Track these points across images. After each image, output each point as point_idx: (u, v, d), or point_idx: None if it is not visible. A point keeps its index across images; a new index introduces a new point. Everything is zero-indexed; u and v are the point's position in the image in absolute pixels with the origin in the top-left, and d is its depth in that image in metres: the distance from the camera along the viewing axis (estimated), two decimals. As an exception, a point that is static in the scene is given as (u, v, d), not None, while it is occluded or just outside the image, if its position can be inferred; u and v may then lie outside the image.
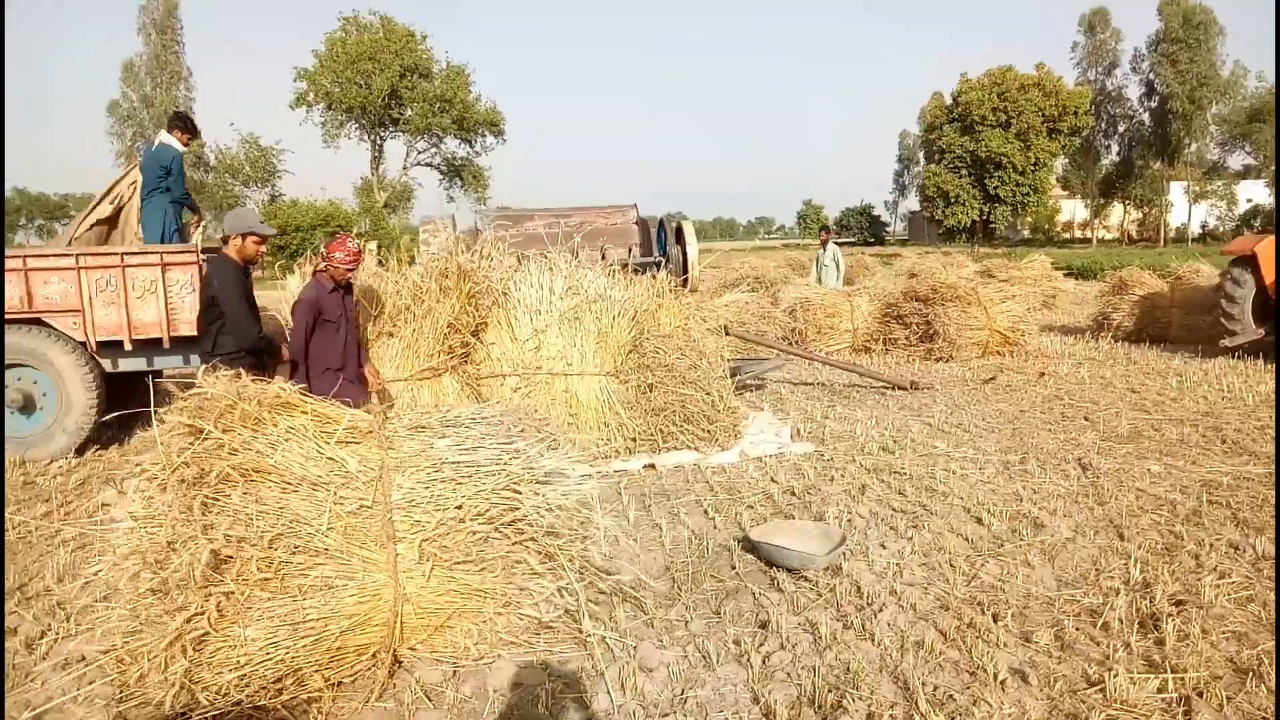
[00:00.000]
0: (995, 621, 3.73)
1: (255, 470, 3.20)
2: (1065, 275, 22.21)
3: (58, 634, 3.73)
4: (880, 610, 3.88)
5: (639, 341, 7.04)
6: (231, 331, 5.19)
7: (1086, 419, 7.45)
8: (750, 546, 4.63)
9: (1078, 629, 3.64)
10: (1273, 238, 10.07)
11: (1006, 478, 5.83)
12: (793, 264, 25.69)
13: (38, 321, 7.02)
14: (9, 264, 6.94)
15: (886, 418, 7.84)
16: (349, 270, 5.46)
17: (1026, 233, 70.95)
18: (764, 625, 3.79)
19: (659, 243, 10.26)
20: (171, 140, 7.98)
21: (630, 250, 9.97)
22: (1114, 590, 3.99)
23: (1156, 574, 4.10)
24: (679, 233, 10.13)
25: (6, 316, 6.90)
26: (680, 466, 6.42)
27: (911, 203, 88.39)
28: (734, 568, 4.46)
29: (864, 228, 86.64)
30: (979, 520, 5.00)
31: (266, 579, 3.09)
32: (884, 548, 4.64)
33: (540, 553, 3.51)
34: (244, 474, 3.18)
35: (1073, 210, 71.79)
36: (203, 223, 8.47)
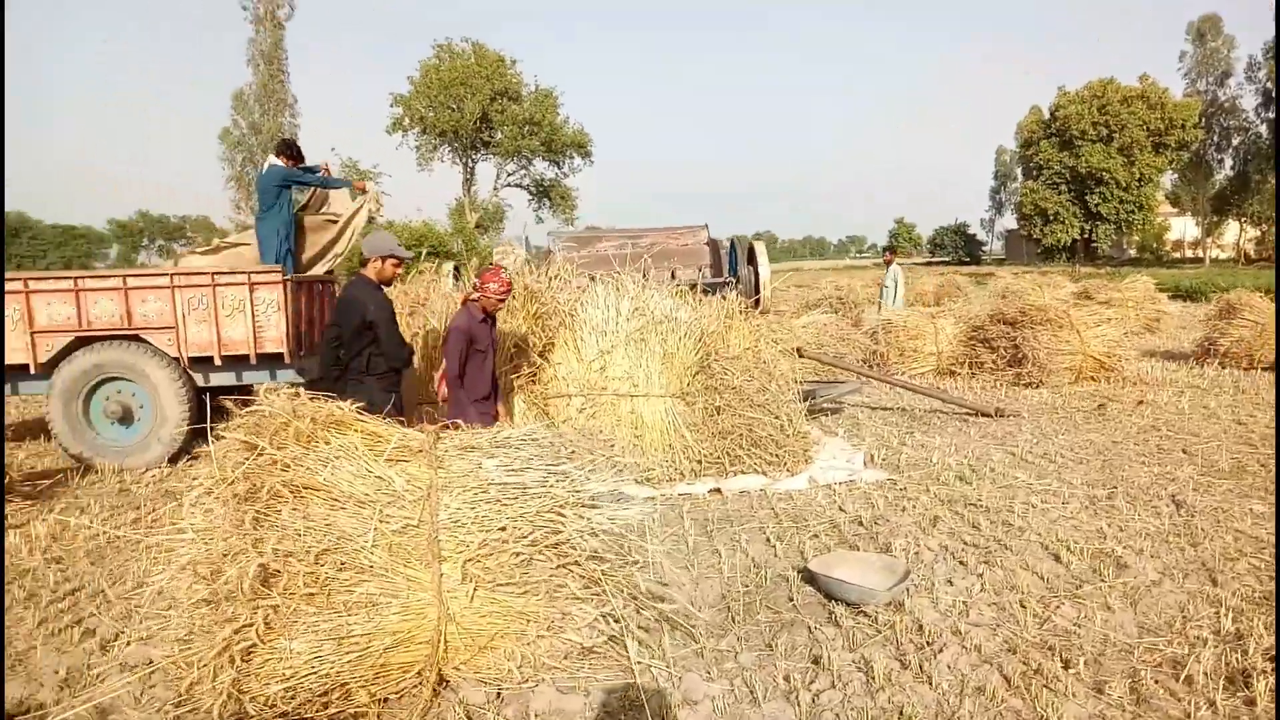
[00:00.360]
0: (1066, 669, 3.51)
1: (305, 486, 3.27)
2: (1170, 297, 21.09)
3: (130, 637, 3.88)
4: (941, 651, 3.70)
5: (706, 363, 6.96)
6: (385, 352, 5.25)
7: (1185, 452, 7.00)
8: (809, 578, 4.49)
9: (1157, 681, 3.39)
10: None
11: (1091, 513, 5.51)
12: (879, 285, 25.10)
13: (136, 338, 7.39)
14: (111, 282, 7.35)
15: (967, 446, 7.54)
16: (500, 301, 5.50)
17: (1133, 252, 67.80)
18: (816, 661, 3.66)
19: (730, 263, 10.17)
20: (278, 164, 8.37)
21: (700, 271, 9.91)
22: (1201, 640, 3.70)
23: (1250, 625, 3.79)
24: (751, 253, 10.02)
25: (108, 332, 7.31)
26: (746, 492, 6.30)
27: (1009, 221, 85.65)
28: (791, 599, 4.33)
29: (958, 247, 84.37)
30: (1057, 558, 4.74)
31: (312, 594, 3.14)
32: (951, 584, 4.44)
33: (584, 577, 3.47)
34: (294, 490, 3.25)
35: (1183, 228, 68.34)
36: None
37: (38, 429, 8.51)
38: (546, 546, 3.43)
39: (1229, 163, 58.20)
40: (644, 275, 7.90)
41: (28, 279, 7.27)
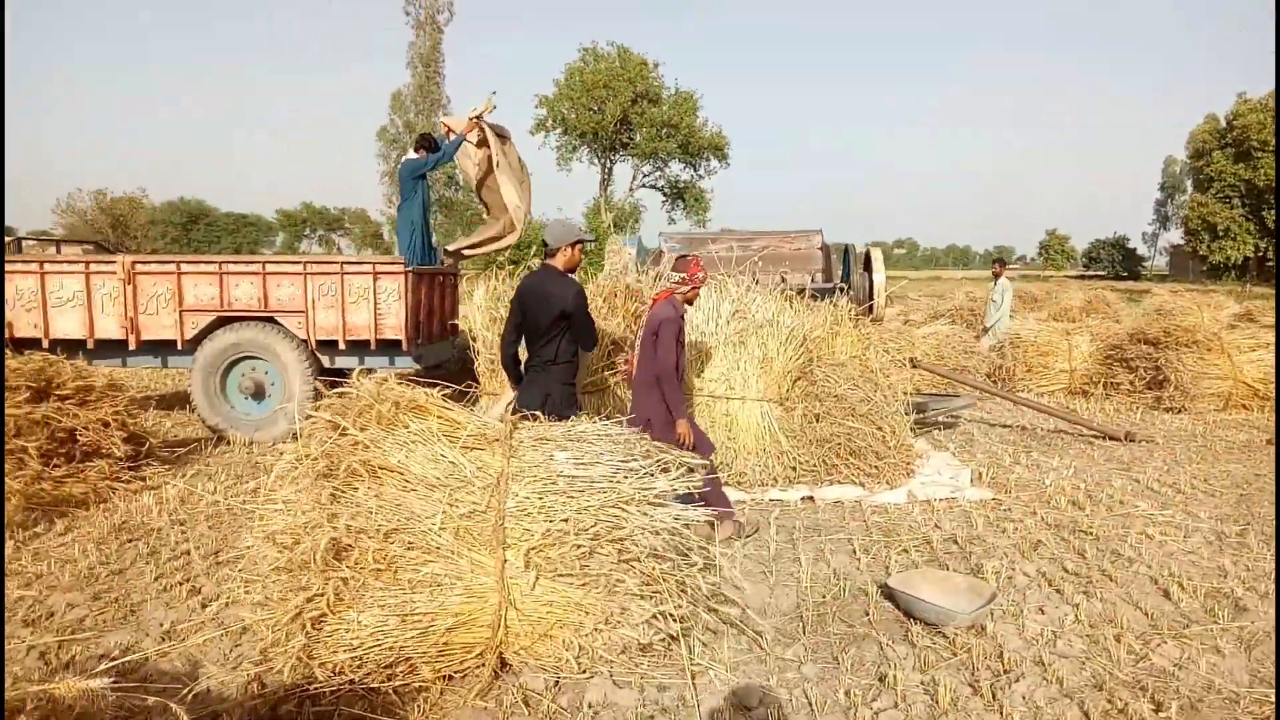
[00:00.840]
0: (1157, 712, 3.26)
1: (381, 467, 3.43)
2: (1352, 322, 19.09)
3: (227, 598, 4.16)
4: (1018, 680, 3.50)
5: (808, 369, 6.85)
6: (581, 340, 5.06)
7: (1338, 490, 6.35)
8: (888, 594, 4.34)
9: (1259, 735, 3.11)
10: None
11: (1215, 550, 5.09)
12: (1022, 296, 23.81)
13: (270, 319, 7.92)
14: (252, 267, 7.90)
15: (1087, 470, 7.09)
16: (695, 292, 5.42)
17: (1317, 272, 61.83)
18: (882, 679, 3.54)
19: (843, 269, 9.93)
20: (414, 156, 8.87)
21: (811, 276, 9.72)
22: (1320, 695, 3.36)
23: (1381, 683, 3.41)
24: (867, 260, 9.76)
25: (246, 313, 7.87)
26: (840, 502, 6.14)
27: (1175, 236, 79.80)
28: (867, 614, 4.20)
29: (1116, 261, 79.22)
30: (1166, 594, 4.40)
31: (380, 570, 3.28)
32: (1042, 612, 4.19)
33: (643, 574, 3.48)
34: (370, 470, 3.41)
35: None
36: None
37: (182, 400, 9.24)
38: (608, 541, 3.46)
39: None
40: (753, 278, 7.84)
41: (180, 261, 7.92)
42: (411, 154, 8.97)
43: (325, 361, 8.12)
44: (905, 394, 7.78)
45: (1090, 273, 74.84)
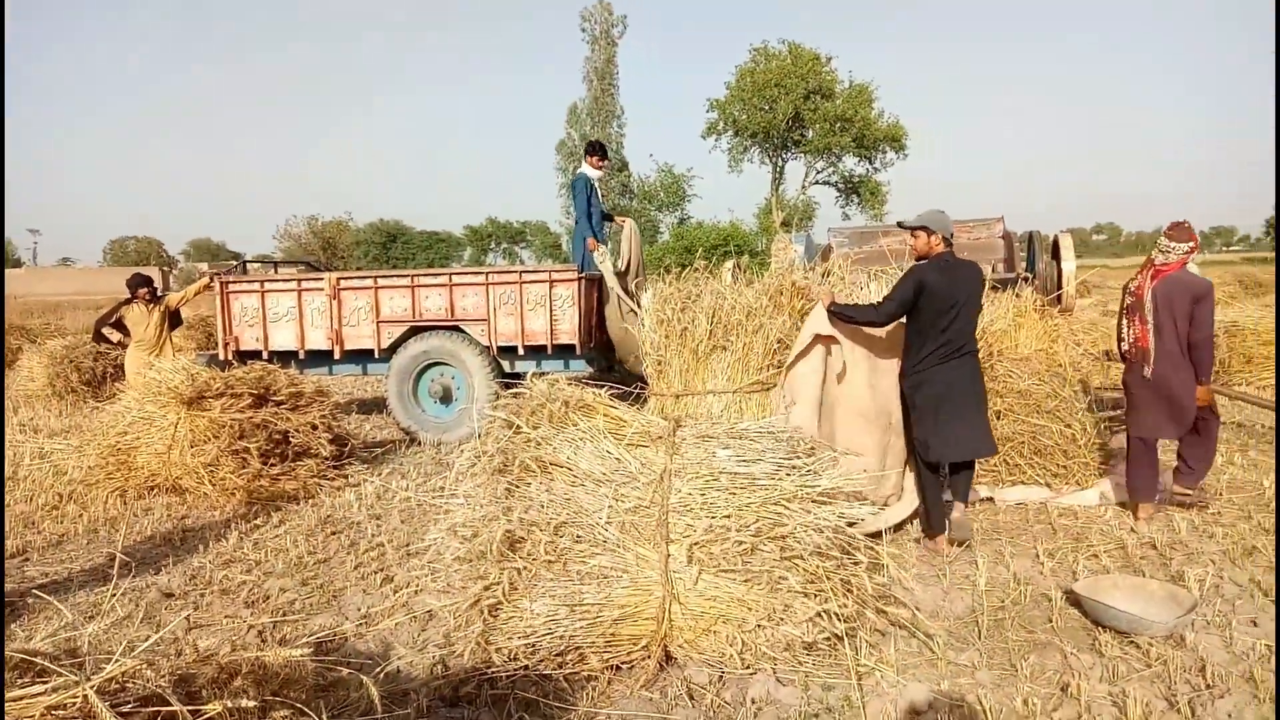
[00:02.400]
0: (1393, 740, 2.91)
1: (552, 463, 3.62)
2: None
3: (416, 587, 4.51)
4: (1223, 696, 3.22)
5: (989, 364, 6.53)
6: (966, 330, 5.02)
7: None
8: (1074, 600, 4.09)
9: None
10: None
11: None
12: (1244, 280, 21.38)
13: (456, 328, 8.46)
14: (439, 280, 8.48)
15: (1318, 469, 6.35)
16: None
17: None
18: (1065, 689, 3.36)
19: (1029, 258, 9.36)
20: (585, 167, 9.19)
21: (993, 266, 9.23)
22: None
23: None
24: (1055, 247, 9.16)
25: (435, 322, 8.44)
26: (1023, 503, 5.83)
27: None
28: (1050, 621, 3.99)
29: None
30: None
31: (551, 561, 3.46)
32: (1255, 625, 3.83)
33: (806, 572, 3.47)
34: (542, 465, 3.61)
35: None
36: (623, 223, 9.41)
37: (380, 404, 10.03)
38: (769, 538, 3.48)
39: None
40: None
41: (377, 276, 8.62)
42: (585, 165, 9.27)
43: (506, 366, 8.57)
44: (1099, 388, 7.26)
45: (1330, 251, 66.35)
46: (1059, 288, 8.65)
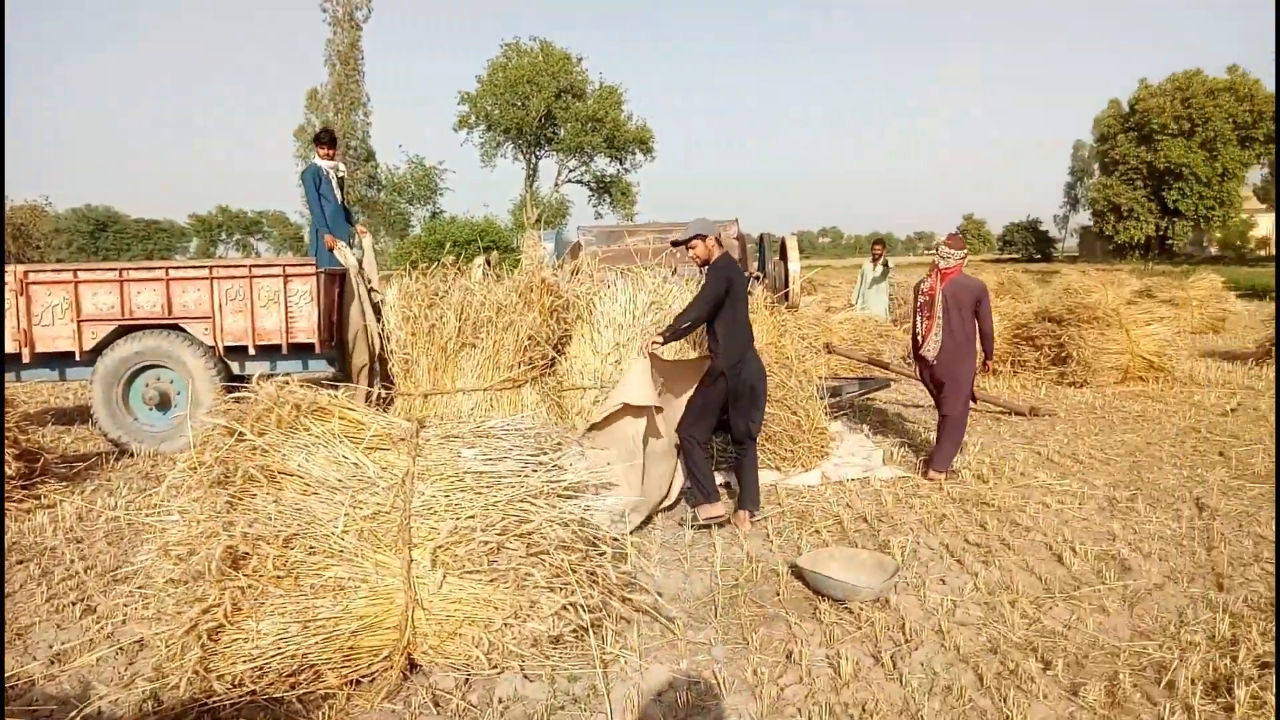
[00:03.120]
0: (1045, 670, 3.43)
1: (280, 471, 3.37)
2: (1239, 296, 20.18)
3: (125, 616, 4.04)
4: (918, 648, 3.64)
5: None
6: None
7: (1221, 454, 6.73)
8: (798, 573, 4.45)
9: (1136, 686, 3.28)
10: None
11: (1106, 515, 5.34)
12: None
13: (175, 327, 7.68)
14: (154, 273, 7.65)
15: (994, 445, 7.37)
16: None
17: (1214, 250, 64.97)
18: (789, 656, 3.64)
19: (760, 258, 10.09)
20: (315, 157, 8.69)
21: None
22: (1193, 645, 3.57)
23: (1248, 631, 3.64)
24: (782, 248, 9.93)
25: (149, 321, 7.62)
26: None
27: (1084, 218, 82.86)
28: (779, 594, 4.30)
29: (1029, 244, 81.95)
30: (1060, 559, 4.61)
31: (280, 576, 3.23)
32: (944, 583, 4.36)
33: (552, 567, 3.50)
34: (269, 475, 3.36)
35: (1270, 226, 65.14)
36: (363, 235, 8.80)
37: (82, 414, 8.89)
38: (516, 536, 3.47)
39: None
40: (672, 269, 7.91)
41: (76, 269, 7.62)
42: (315, 155, 8.80)
43: (235, 368, 7.91)
44: (820, 379, 7.94)
45: (1005, 256, 77.19)
46: (786, 286, 9.38)
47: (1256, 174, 56.19)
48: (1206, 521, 5.13)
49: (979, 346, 6.38)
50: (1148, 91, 53.69)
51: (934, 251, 6.74)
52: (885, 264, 13.19)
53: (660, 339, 5.23)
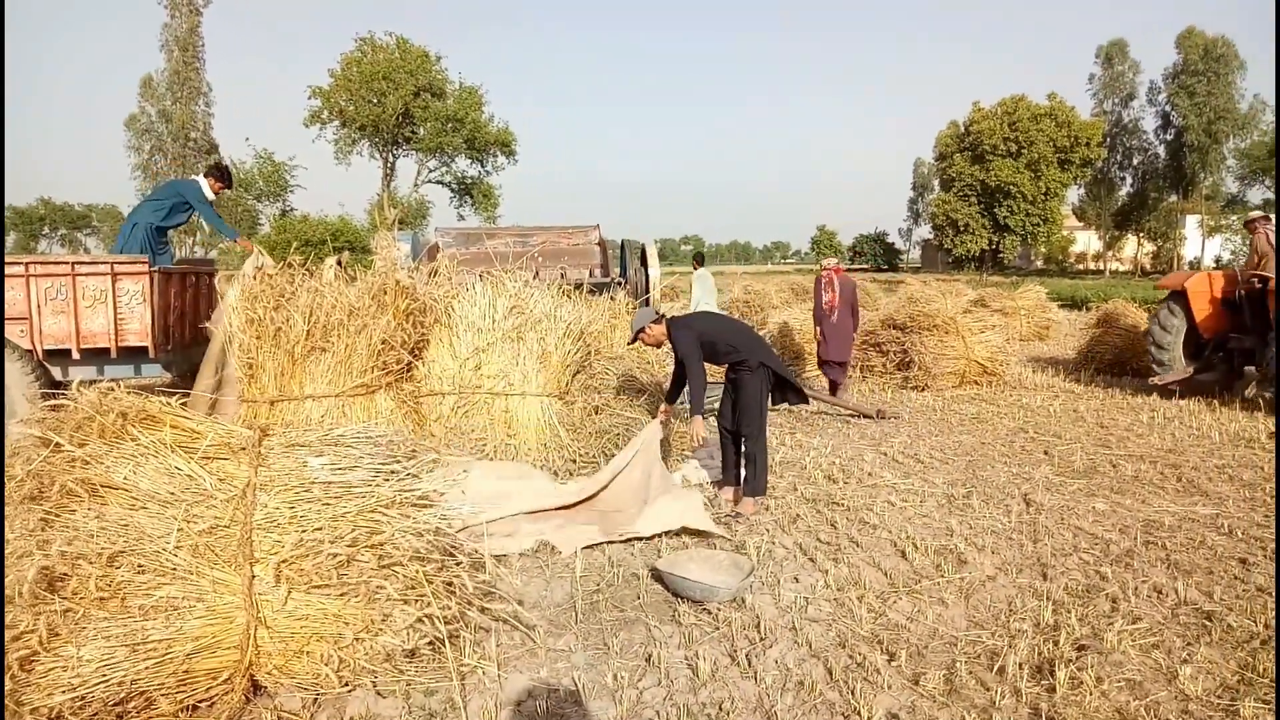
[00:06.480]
0: (890, 661, 3.59)
1: (104, 485, 3.11)
2: (1060, 306, 21.96)
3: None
4: (772, 646, 3.74)
5: (588, 362, 6.94)
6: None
7: (1046, 453, 7.27)
8: (658, 576, 4.49)
9: (971, 673, 3.49)
10: (1203, 274, 9.87)
11: (945, 511, 5.67)
12: (796, 288, 25.38)
13: (-16, 329, 6.98)
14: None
15: (844, 446, 7.69)
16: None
17: (1039, 263, 70.53)
18: (649, 659, 3.65)
19: (621, 264, 10.18)
20: (202, 183, 8.17)
21: (590, 271, 9.90)
22: (1021, 632, 3.83)
23: (1068, 616, 3.93)
24: (643, 254, 10.06)
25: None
26: (618, 491, 6.27)
27: (926, 231, 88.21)
28: (639, 598, 4.33)
29: (877, 254, 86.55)
30: (903, 555, 4.85)
31: (104, 598, 2.98)
32: (797, 581, 4.50)
33: (406, 578, 3.39)
34: (90, 489, 3.09)
35: (1088, 242, 71.33)
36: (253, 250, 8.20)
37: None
38: (366, 547, 3.34)
39: (1130, 181, 60.50)
40: (535, 274, 7.84)
41: None
42: (203, 183, 8.25)
43: (57, 374, 7.28)
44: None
45: (855, 265, 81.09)
46: (647, 291, 9.50)
47: (1074, 193, 61.13)
48: (1033, 516, 5.53)
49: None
50: (981, 114, 57.67)
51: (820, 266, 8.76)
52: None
53: (688, 413, 5.98)
